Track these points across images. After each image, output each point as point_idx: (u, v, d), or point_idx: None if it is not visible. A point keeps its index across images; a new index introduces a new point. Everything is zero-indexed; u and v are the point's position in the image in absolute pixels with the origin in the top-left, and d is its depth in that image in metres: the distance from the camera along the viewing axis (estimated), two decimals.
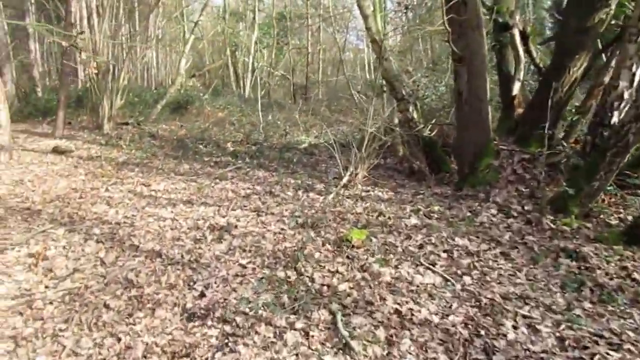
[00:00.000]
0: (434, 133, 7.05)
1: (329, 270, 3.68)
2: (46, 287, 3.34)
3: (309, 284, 3.47)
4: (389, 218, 4.94)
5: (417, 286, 3.46)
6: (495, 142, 5.89)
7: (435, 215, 4.97)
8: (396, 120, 7.78)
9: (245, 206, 5.37)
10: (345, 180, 6.14)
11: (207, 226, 4.69)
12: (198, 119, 13.89)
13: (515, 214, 4.84)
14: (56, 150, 8.26)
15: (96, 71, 8.87)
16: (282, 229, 4.62)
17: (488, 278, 3.61)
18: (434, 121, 7.48)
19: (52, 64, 19.29)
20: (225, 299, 3.22)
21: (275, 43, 21.63)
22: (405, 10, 10.66)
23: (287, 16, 22.63)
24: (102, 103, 10.94)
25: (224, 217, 4.99)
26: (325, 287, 3.42)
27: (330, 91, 21.68)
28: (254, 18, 20.08)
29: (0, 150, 7.26)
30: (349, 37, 25.18)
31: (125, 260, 3.84)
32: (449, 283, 3.52)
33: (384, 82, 7.25)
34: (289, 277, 3.57)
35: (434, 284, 3.51)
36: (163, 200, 5.55)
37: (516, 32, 6.65)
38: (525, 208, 4.92)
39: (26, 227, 4.51)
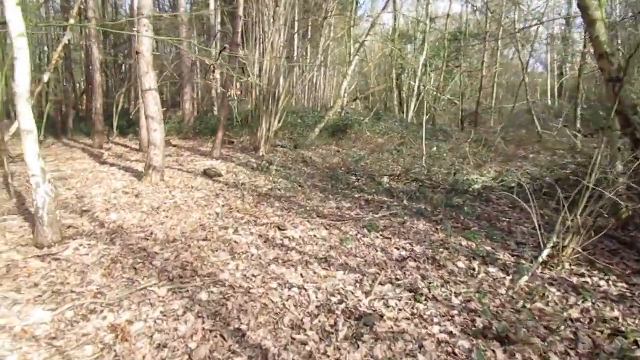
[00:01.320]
0: None
1: None
2: None
3: None
4: (635, 343, 2.94)
5: None
6: None
7: None
8: (619, 168, 5.49)
9: (398, 279, 3.89)
10: (545, 254, 4.20)
11: (341, 309, 3.34)
12: (356, 144, 12.99)
13: None
14: (206, 174, 7.98)
15: (239, 92, 8.47)
16: (452, 335, 3.01)
17: None
18: None
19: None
20: None
21: (444, 66, 19.80)
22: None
23: (460, 37, 20.66)
24: (260, 125, 10.74)
25: (366, 294, 3.59)
26: None
27: (503, 119, 18.97)
28: (424, 39, 18.65)
29: (153, 171, 7.13)
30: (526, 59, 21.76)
31: None
32: None
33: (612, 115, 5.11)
34: None
35: None
36: (295, 254, 4.40)
37: None
38: None
39: (130, 278, 3.75)
